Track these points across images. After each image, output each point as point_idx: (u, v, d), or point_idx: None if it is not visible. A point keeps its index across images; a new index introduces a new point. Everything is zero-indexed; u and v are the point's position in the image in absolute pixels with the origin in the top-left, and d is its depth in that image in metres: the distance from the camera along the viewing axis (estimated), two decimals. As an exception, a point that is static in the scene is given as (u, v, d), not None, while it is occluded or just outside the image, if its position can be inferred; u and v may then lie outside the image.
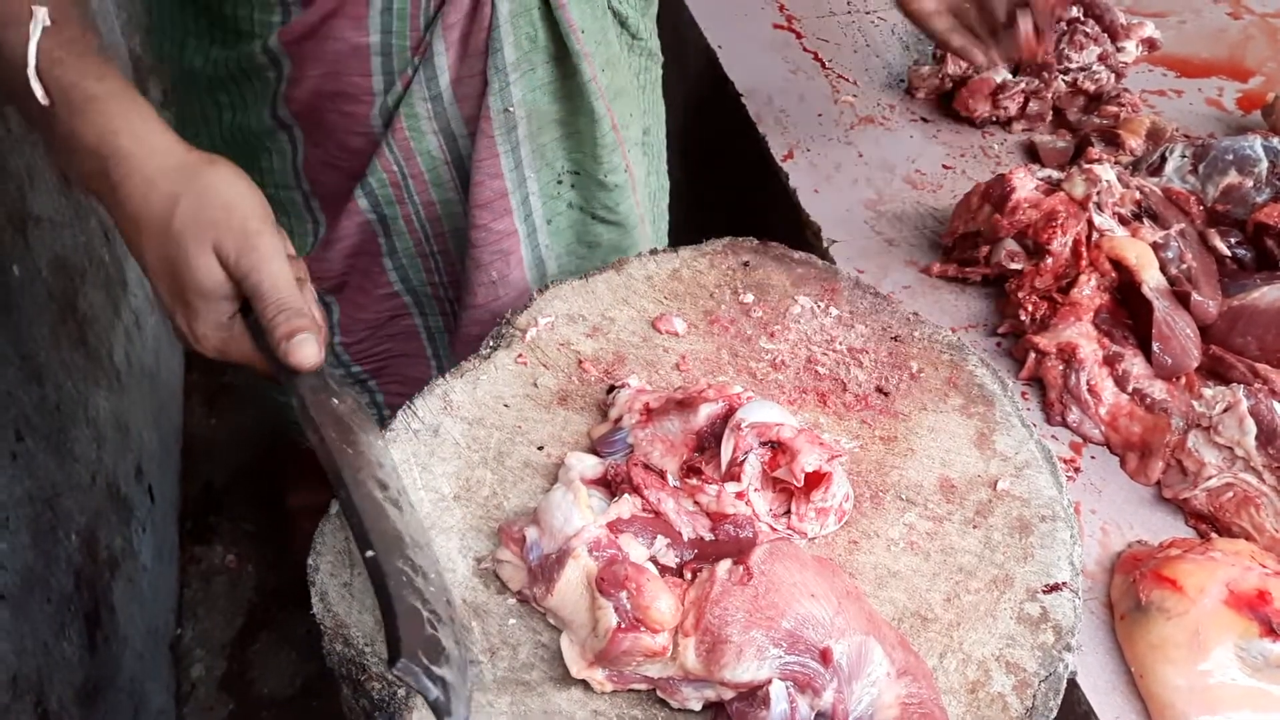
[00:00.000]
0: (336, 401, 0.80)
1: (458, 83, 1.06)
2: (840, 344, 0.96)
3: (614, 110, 1.12)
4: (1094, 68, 1.46)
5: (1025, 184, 1.16)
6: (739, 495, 0.77)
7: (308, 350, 0.79)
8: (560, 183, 1.15)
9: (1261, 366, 1.03)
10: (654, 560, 0.72)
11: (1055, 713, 0.73)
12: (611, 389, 0.88)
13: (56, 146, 0.82)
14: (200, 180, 0.80)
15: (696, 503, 0.77)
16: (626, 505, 0.74)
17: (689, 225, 1.41)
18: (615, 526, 0.73)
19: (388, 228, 1.14)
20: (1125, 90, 1.48)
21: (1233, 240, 1.13)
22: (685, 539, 0.75)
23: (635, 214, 1.21)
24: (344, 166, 1.11)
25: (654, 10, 1.25)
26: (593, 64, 1.08)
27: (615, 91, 1.13)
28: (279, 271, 0.80)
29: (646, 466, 0.79)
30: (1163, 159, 1.22)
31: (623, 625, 0.67)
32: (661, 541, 0.73)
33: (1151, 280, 1.06)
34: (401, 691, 0.69)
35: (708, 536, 0.75)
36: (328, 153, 1.10)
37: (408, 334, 1.25)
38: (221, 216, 0.79)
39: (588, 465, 0.79)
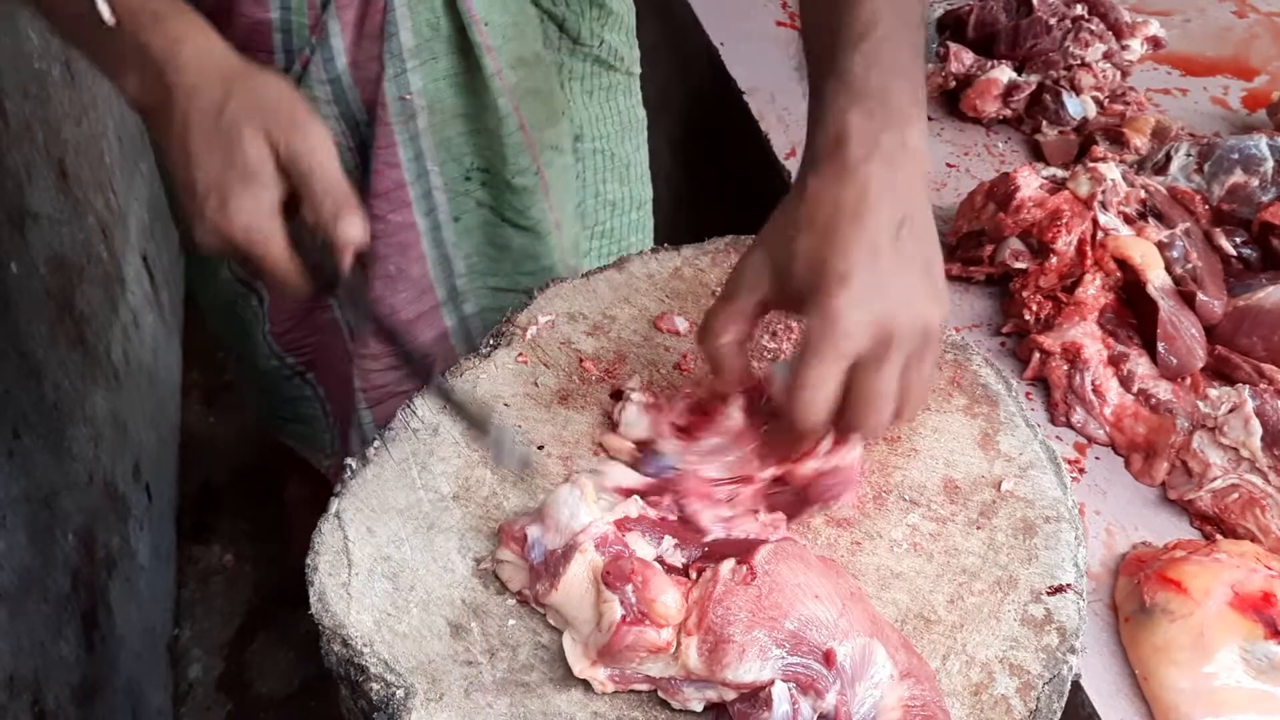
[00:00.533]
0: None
1: (354, 66, 1.04)
2: (843, 343, 0.95)
3: (522, 110, 1.09)
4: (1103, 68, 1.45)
5: (1030, 183, 1.16)
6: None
7: (355, 228, 0.81)
8: (469, 179, 1.12)
9: (1267, 367, 1.02)
10: (660, 560, 0.72)
11: (1059, 715, 0.72)
12: (616, 395, 0.87)
13: (112, 63, 0.85)
14: (253, 79, 0.83)
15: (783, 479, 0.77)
16: (634, 505, 0.74)
17: (690, 224, 1.40)
18: (622, 524, 0.72)
19: None
20: (1130, 89, 1.48)
21: (1238, 240, 1.13)
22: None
23: (548, 219, 1.17)
24: None
25: (616, 20, 1.21)
26: (496, 58, 1.06)
27: (526, 90, 1.10)
28: (327, 159, 0.81)
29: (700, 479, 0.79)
30: (1168, 158, 1.21)
31: (627, 618, 0.66)
32: (669, 541, 0.72)
33: (1156, 280, 1.05)
34: (400, 693, 0.68)
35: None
36: None
37: (331, 326, 1.24)
38: (272, 107, 0.82)
39: (620, 475, 0.79)
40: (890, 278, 0.69)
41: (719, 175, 1.74)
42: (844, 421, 0.71)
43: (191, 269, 1.30)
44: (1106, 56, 1.47)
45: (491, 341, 0.93)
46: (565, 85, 1.19)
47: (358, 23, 1.03)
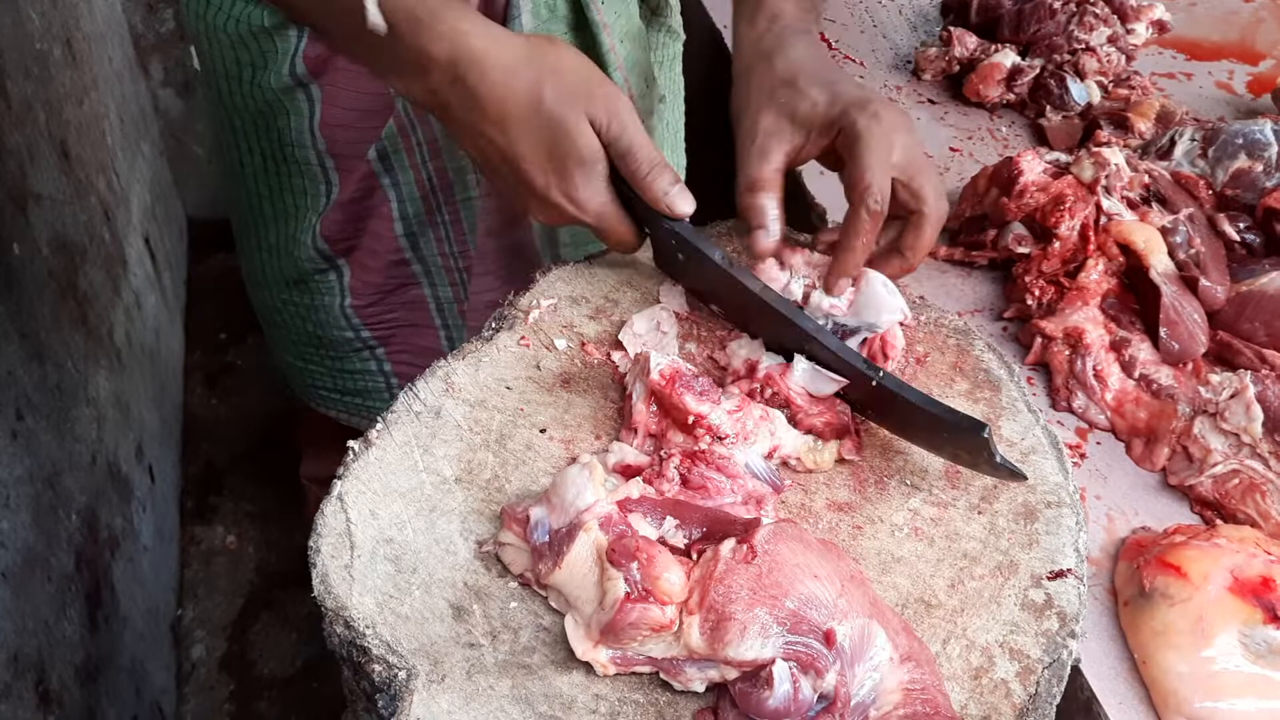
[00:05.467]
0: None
1: None
2: (845, 327, 0.95)
3: (631, 82, 1.12)
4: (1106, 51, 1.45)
5: (1033, 167, 1.15)
6: None
7: (684, 200, 0.87)
8: None
9: (1269, 353, 1.02)
10: (662, 540, 0.72)
11: (1058, 699, 0.72)
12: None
13: (391, 68, 0.89)
14: (551, 60, 0.86)
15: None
16: (635, 486, 0.74)
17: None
18: (624, 505, 0.72)
19: (399, 192, 1.15)
20: (1135, 73, 1.47)
21: (1241, 225, 1.12)
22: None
23: None
24: (359, 126, 1.12)
25: None
26: (611, 35, 1.08)
27: (633, 64, 1.13)
28: (641, 131, 0.86)
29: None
30: (1172, 142, 1.21)
31: (632, 595, 0.67)
32: (670, 522, 0.73)
33: (1159, 265, 1.05)
34: (402, 674, 0.69)
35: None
36: (344, 112, 1.11)
37: (416, 303, 1.25)
38: (585, 89, 0.85)
39: (628, 454, 0.80)
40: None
41: (720, 159, 1.74)
42: None
43: (248, 242, 1.31)
44: (1111, 40, 1.46)
45: (494, 325, 0.93)
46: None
47: (481, 6, 1.04)
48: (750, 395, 0.85)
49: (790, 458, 0.83)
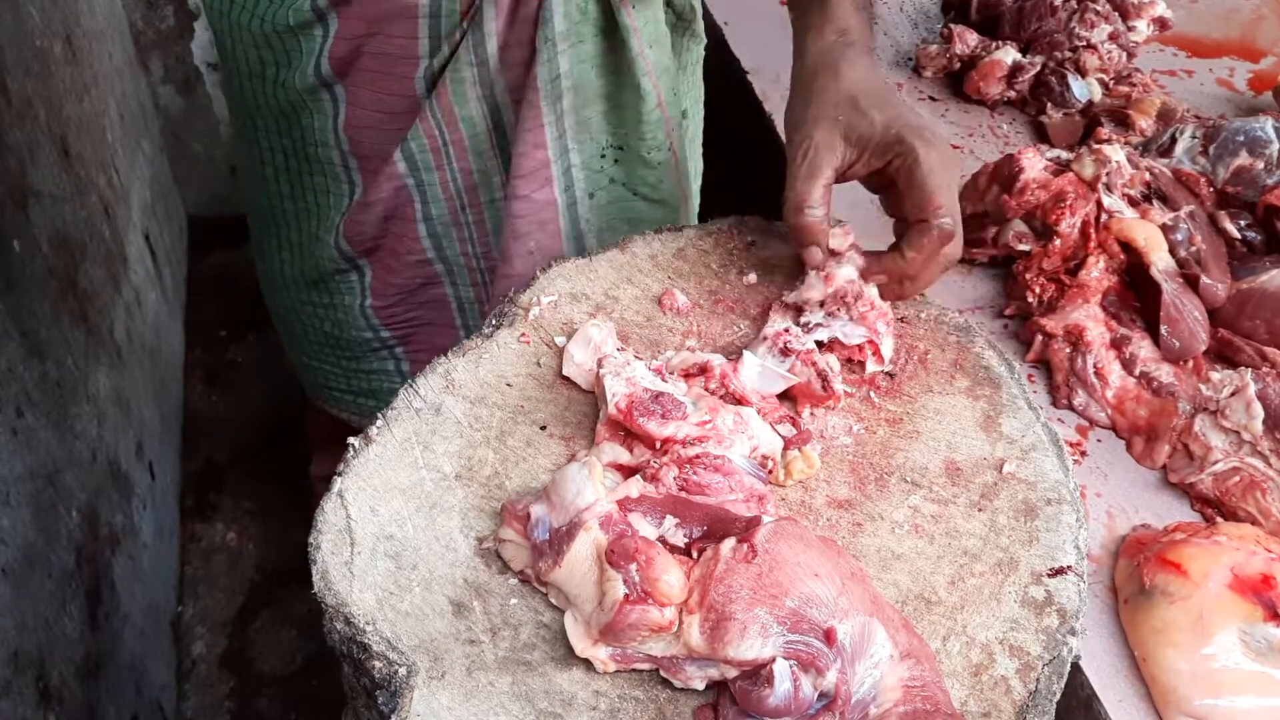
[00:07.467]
0: None
1: (505, 49, 1.06)
2: (846, 325, 0.95)
3: (660, 87, 1.12)
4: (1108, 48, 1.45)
5: (1034, 164, 1.15)
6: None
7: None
8: (604, 157, 1.15)
9: (1270, 350, 1.02)
10: (662, 540, 0.72)
11: (1058, 696, 0.72)
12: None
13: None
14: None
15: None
16: (635, 485, 0.74)
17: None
18: (624, 505, 0.72)
19: (424, 193, 1.15)
20: (1136, 70, 1.47)
21: (1242, 223, 1.12)
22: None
23: (678, 193, 1.21)
24: (384, 128, 1.12)
25: None
26: (640, 39, 1.08)
27: (662, 69, 1.13)
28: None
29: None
30: (1173, 140, 1.21)
31: (630, 597, 0.66)
32: (670, 521, 0.73)
33: (1160, 262, 1.05)
34: (403, 671, 0.69)
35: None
36: (369, 113, 1.11)
37: (438, 303, 1.26)
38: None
39: (619, 453, 0.80)
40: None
41: (722, 156, 1.74)
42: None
43: (267, 241, 1.32)
44: (1112, 38, 1.46)
45: (494, 321, 0.93)
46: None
47: (512, 7, 1.05)
48: (710, 393, 0.84)
49: (770, 458, 0.82)
